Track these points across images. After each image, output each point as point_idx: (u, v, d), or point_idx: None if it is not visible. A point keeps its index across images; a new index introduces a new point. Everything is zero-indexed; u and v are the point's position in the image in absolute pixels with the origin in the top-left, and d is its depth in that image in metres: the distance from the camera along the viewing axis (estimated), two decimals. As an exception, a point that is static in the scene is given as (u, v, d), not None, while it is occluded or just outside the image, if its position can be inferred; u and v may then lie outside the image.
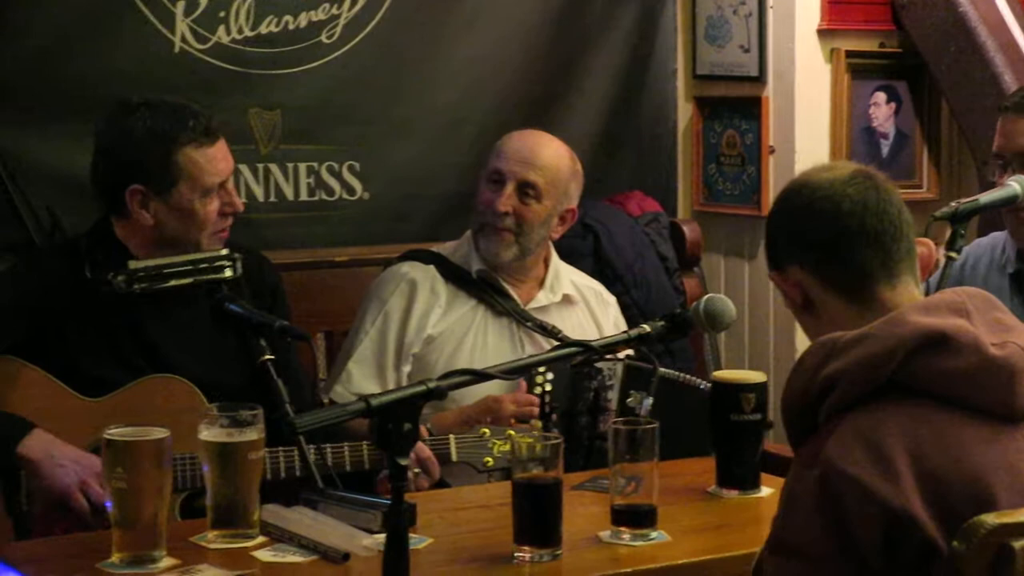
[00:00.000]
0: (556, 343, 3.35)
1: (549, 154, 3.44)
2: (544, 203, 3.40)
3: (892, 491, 1.79)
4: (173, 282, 3.00)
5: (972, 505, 1.79)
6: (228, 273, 3.01)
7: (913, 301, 1.99)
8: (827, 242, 2.01)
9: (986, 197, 3.02)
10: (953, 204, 2.99)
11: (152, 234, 3.05)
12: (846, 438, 1.84)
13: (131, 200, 3.03)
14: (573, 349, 2.32)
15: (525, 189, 3.39)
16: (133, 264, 2.99)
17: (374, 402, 2.05)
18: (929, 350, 1.85)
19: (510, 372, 2.30)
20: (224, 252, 3.02)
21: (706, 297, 2.45)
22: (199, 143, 3.03)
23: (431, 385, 2.10)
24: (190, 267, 3.00)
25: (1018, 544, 1.70)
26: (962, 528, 1.71)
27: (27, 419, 2.90)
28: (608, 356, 2.88)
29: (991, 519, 1.71)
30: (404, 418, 2.07)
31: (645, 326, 2.39)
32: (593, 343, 2.32)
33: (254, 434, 2.52)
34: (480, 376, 2.20)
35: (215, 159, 3.05)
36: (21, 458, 2.84)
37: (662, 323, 2.41)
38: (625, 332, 2.38)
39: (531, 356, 2.46)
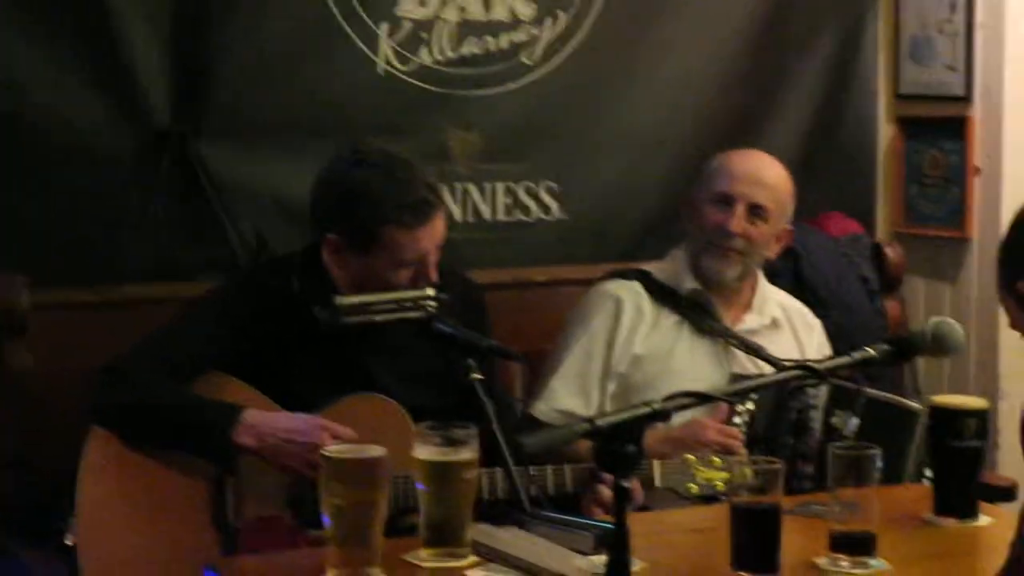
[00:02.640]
0: (762, 363, 3.33)
1: (775, 175, 3.44)
2: (770, 224, 3.38)
3: None
4: (378, 318, 3.01)
5: None
6: (431, 308, 3.00)
7: None
8: None
9: None
10: None
11: (347, 275, 3.08)
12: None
13: (327, 244, 3.07)
14: (797, 372, 2.28)
15: (755, 210, 3.37)
16: (339, 300, 3.01)
17: (600, 423, 2.05)
18: None
19: (733, 395, 2.27)
20: (430, 292, 3.01)
21: (933, 321, 2.40)
22: (407, 224, 3.02)
23: (656, 407, 2.09)
24: (395, 306, 3.01)
25: None
26: None
27: (234, 404, 2.93)
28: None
29: None
30: (628, 439, 2.06)
31: (870, 349, 2.34)
32: (817, 365, 2.28)
33: (468, 453, 2.51)
34: (704, 398, 2.18)
35: (419, 239, 3.04)
36: (238, 447, 2.89)
37: (886, 347, 2.36)
38: (849, 355, 2.34)
39: (753, 377, 2.42)
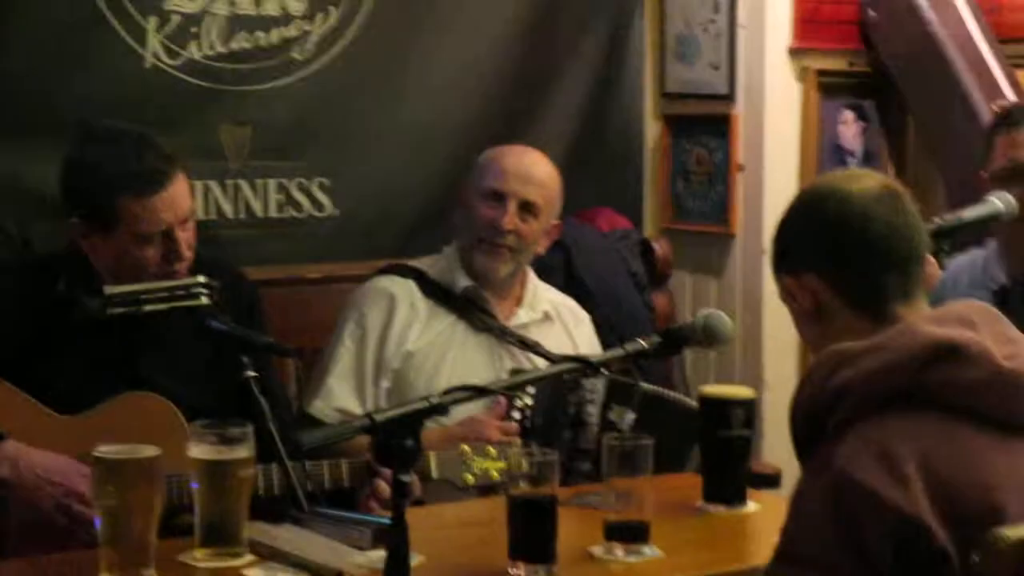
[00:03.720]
0: (536, 358, 3.37)
1: (544, 172, 3.46)
2: (540, 220, 3.42)
3: (903, 498, 1.79)
4: (149, 307, 2.95)
5: (982, 514, 1.80)
6: (204, 300, 2.95)
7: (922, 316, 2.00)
8: (853, 259, 2.01)
9: (969, 214, 3.04)
10: (936, 220, 3.00)
11: (103, 262, 3.02)
12: (856, 447, 1.84)
13: (74, 230, 3.00)
14: (570, 365, 2.31)
15: (526, 207, 3.40)
16: (108, 289, 2.94)
17: (378, 418, 2.05)
18: (941, 361, 1.86)
19: (509, 388, 2.30)
20: (201, 280, 2.96)
21: (703, 313, 2.45)
22: (140, 194, 2.94)
23: (434, 401, 2.10)
24: (166, 294, 2.94)
25: (1037, 557, 1.71)
26: (982, 543, 1.71)
27: None
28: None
29: (1012, 533, 1.71)
30: (407, 435, 2.07)
31: (641, 341, 2.39)
32: (590, 358, 2.31)
33: (244, 452, 2.49)
34: (481, 391, 2.19)
35: (156, 210, 2.96)
36: None
37: (658, 339, 2.41)
38: (622, 348, 2.37)
39: (530, 372, 2.45)
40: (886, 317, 1.99)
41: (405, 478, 2.07)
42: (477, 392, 2.18)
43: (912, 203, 2.08)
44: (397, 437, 2.07)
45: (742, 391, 2.86)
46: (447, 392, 2.15)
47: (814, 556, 1.83)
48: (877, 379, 1.86)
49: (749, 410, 2.81)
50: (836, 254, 2.02)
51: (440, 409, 2.11)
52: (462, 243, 3.46)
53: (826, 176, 2.15)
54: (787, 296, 2.07)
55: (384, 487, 2.88)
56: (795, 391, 1.97)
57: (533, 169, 3.45)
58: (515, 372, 3.34)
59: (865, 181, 2.07)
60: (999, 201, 3.05)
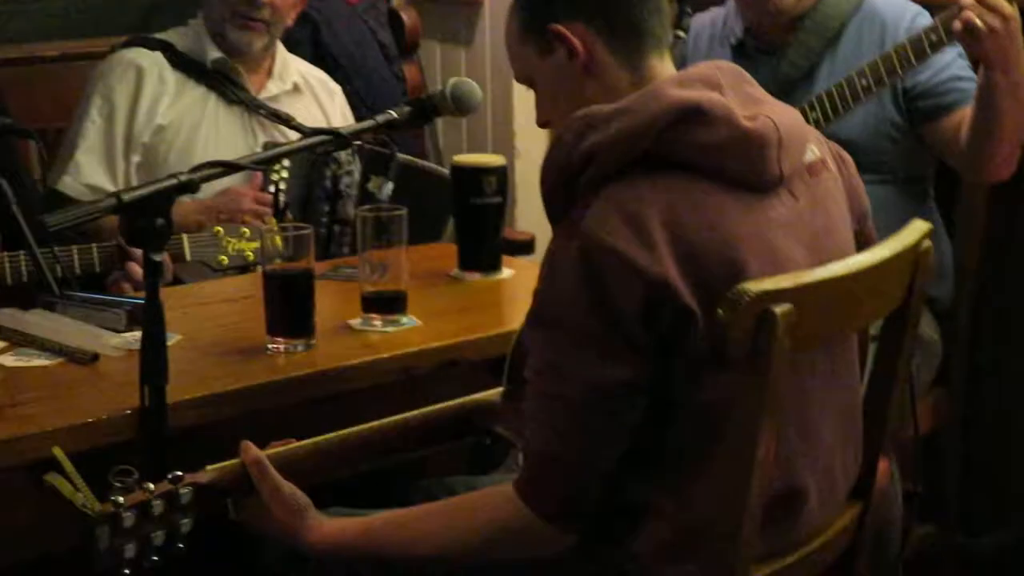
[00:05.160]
0: (290, 131, 3.34)
1: None
2: None
3: (649, 259, 1.83)
4: None
5: (725, 272, 1.85)
6: None
7: (671, 76, 2.03)
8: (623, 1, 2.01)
9: None
10: None
11: None
12: (604, 210, 1.87)
13: None
14: (322, 137, 2.28)
15: None
16: None
17: (126, 198, 2.01)
18: (684, 123, 1.89)
19: (261, 162, 2.27)
20: None
21: (452, 81, 2.44)
22: None
23: (183, 179, 2.07)
24: None
25: (778, 309, 1.77)
26: (725, 298, 1.77)
27: None
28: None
29: (753, 287, 1.77)
30: (157, 213, 2.04)
31: (392, 112, 2.37)
32: (341, 130, 2.29)
33: (-12, 238, 2.43)
34: (231, 167, 2.16)
35: None
36: None
37: (408, 108, 2.40)
38: (373, 119, 2.36)
39: (281, 145, 2.41)
40: (644, 68, 2.01)
41: (156, 257, 2.04)
42: (228, 168, 2.15)
43: None
44: (147, 216, 2.03)
45: (493, 159, 2.88)
46: (196, 168, 2.11)
47: (565, 318, 1.86)
48: (623, 142, 1.89)
49: (501, 177, 2.83)
50: None
51: (190, 186, 2.07)
52: (212, 17, 3.36)
53: None
54: (540, 55, 2.05)
55: (136, 269, 2.84)
56: (545, 154, 1.98)
57: None
58: (268, 146, 3.29)
59: None
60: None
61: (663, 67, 2.04)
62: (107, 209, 2.01)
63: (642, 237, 1.84)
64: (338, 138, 2.29)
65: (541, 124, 2.13)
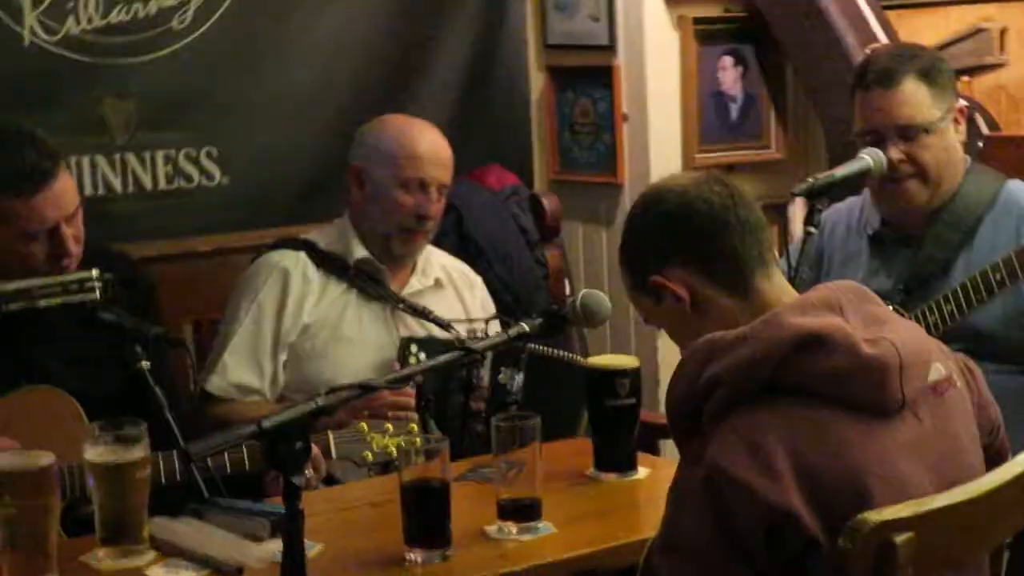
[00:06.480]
0: (429, 324, 3.43)
1: (447, 146, 3.52)
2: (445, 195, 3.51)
3: (773, 490, 1.86)
4: (43, 302, 2.95)
5: (850, 500, 1.87)
6: (97, 295, 2.95)
7: (784, 291, 2.08)
8: (709, 233, 2.08)
9: (841, 172, 3.12)
10: (810, 180, 3.11)
11: None
12: (728, 439, 1.91)
13: None
14: (456, 354, 2.36)
15: (443, 189, 3.47)
16: (1, 285, 2.94)
17: (266, 425, 2.09)
18: (805, 352, 1.93)
19: (396, 382, 2.35)
20: (94, 274, 2.95)
21: (582, 293, 2.51)
22: (22, 192, 2.94)
23: (320, 403, 2.15)
24: (59, 288, 2.94)
25: (899, 539, 1.79)
26: (846, 528, 1.79)
27: None
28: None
29: (873, 517, 1.79)
30: (296, 438, 2.11)
31: (524, 325, 2.44)
32: (475, 346, 2.37)
33: (140, 452, 2.52)
34: (368, 389, 2.24)
35: (40, 208, 2.96)
36: None
37: (540, 320, 2.46)
38: (505, 332, 2.43)
39: (416, 365, 2.50)
40: (752, 292, 2.07)
41: (297, 480, 2.11)
42: (363, 390, 2.22)
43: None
44: (286, 440, 2.11)
45: (627, 360, 2.93)
46: (333, 391, 2.19)
47: (692, 546, 1.90)
48: (745, 372, 1.93)
49: (635, 380, 2.88)
50: (694, 237, 2.09)
51: (327, 411, 2.15)
52: (375, 229, 3.48)
53: (647, 188, 2.23)
54: (654, 301, 2.13)
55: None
56: (670, 382, 2.03)
57: (440, 149, 3.49)
58: (406, 342, 3.39)
59: (688, 175, 2.22)
60: (869, 157, 3.12)
61: (772, 286, 2.09)
62: (248, 437, 2.10)
63: (766, 467, 1.87)
64: (470, 353, 2.36)
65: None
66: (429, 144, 3.49)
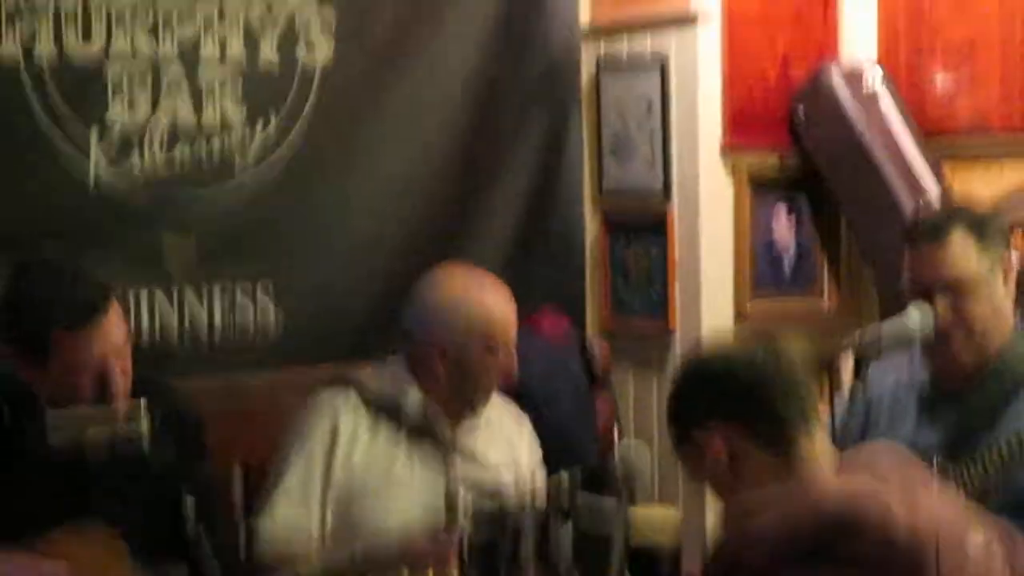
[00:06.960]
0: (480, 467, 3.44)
1: (512, 303, 3.52)
2: None
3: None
4: (91, 431, 2.98)
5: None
6: (144, 426, 2.98)
7: (825, 450, 2.10)
8: (750, 394, 2.12)
9: (888, 328, 3.12)
10: (858, 333, 3.11)
11: (42, 391, 3.05)
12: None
13: (10, 356, 3.05)
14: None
15: (508, 347, 3.49)
16: (51, 415, 2.98)
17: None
18: (840, 536, 1.94)
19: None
20: (142, 406, 3.00)
21: (623, 445, 2.52)
22: (73, 327, 3.00)
23: (359, 556, 2.16)
24: (106, 417, 2.97)
25: None
26: None
27: None
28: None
29: None
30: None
31: (564, 476, 2.45)
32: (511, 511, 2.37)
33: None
34: (407, 550, 2.25)
35: (90, 343, 3.01)
36: None
37: (582, 474, 2.48)
38: (555, 486, 2.44)
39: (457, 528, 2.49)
40: (793, 451, 2.10)
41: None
42: (405, 551, 2.24)
43: (786, 341, 2.18)
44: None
45: (668, 528, 2.92)
46: (373, 545, 2.21)
47: None
48: (783, 541, 1.94)
49: (674, 558, 2.86)
50: (735, 397, 2.13)
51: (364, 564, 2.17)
52: (454, 385, 3.47)
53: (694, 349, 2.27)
54: (696, 456, 2.15)
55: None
56: (713, 544, 2.05)
57: (510, 308, 3.50)
58: (453, 483, 3.39)
59: (730, 336, 2.22)
60: (917, 314, 3.12)
61: (813, 445, 2.12)
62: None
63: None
64: (511, 518, 2.37)
65: None
66: (502, 305, 3.48)
